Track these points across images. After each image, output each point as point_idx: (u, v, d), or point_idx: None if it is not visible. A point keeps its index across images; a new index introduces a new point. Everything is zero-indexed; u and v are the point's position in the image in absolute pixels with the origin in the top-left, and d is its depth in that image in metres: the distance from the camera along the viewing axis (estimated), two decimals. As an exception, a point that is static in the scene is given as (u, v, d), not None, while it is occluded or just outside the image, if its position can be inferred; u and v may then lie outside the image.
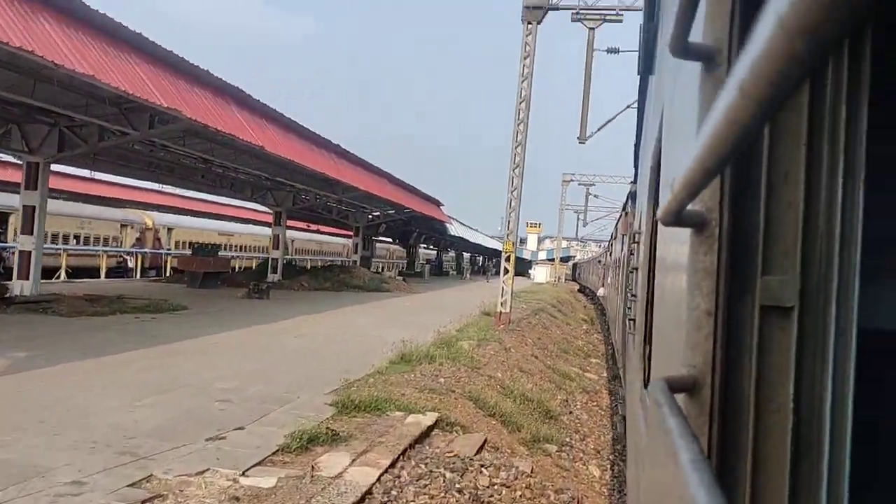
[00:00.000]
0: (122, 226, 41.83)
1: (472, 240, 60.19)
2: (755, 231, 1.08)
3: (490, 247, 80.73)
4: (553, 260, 68.65)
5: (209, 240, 52.19)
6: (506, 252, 19.65)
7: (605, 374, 19.93)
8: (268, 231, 60.61)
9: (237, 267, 46.35)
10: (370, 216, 44.54)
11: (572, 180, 59.58)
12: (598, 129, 21.94)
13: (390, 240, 59.81)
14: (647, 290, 3.00)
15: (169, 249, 44.08)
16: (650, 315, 2.62)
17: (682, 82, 1.52)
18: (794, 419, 1.02)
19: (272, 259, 31.75)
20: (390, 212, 44.11)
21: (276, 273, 31.33)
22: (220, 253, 43.29)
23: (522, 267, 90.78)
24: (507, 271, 19.77)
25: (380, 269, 57.93)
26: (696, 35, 1.15)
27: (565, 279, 73.72)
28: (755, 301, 1.08)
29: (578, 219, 71.49)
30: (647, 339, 2.68)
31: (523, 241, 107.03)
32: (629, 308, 6.05)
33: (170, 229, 46.85)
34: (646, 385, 2.45)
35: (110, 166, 25.63)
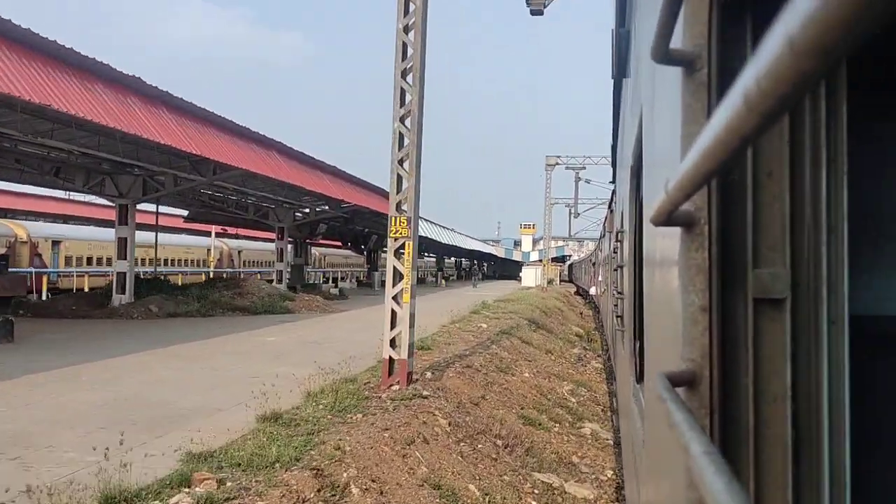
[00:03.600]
0: (-23, 241, 31.81)
1: (443, 241, 49.55)
2: (743, 226, 1.08)
3: (476, 249, 70.94)
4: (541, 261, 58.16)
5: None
6: (393, 236, 9.56)
7: (609, 473, 9.94)
8: (227, 242, 50.78)
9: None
10: (297, 214, 34.47)
11: (557, 164, 48.95)
12: None
13: (339, 244, 49.57)
14: (635, 288, 3.17)
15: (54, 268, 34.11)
16: (638, 311, 2.78)
17: (661, 86, 1.56)
18: (792, 408, 1.02)
19: (118, 274, 21.63)
20: (324, 207, 34.09)
21: (123, 293, 21.25)
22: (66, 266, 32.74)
23: (515, 270, 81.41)
24: (399, 277, 9.65)
25: (328, 280, 47.94)
26: (675, 41, 1.15)
27: (560, 281, 64.20)
28: (748, 294, 1.07)
29: (570, 212, 61.35)
30: (637, 334, 2.86)
31: (518, 244, 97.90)
32: (615, 306, 6.14)
33: (56, 242, 36.47)
34: (638, 380, 2.72)
35: None
